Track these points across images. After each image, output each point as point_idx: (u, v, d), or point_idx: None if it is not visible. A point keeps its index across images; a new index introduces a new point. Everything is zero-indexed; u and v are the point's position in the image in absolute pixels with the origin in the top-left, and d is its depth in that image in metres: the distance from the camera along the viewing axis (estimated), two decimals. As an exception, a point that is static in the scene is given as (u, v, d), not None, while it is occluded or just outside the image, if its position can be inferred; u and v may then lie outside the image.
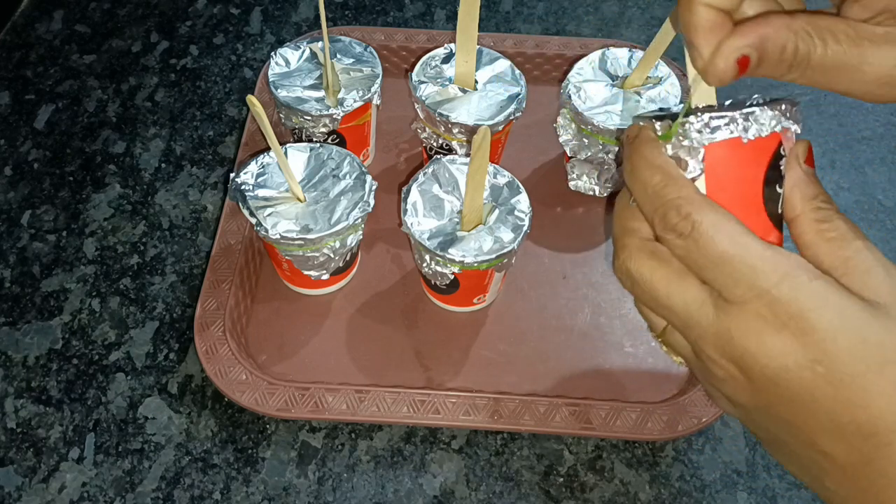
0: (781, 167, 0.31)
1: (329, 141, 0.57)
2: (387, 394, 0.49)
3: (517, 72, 0.57)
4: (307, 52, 0.58)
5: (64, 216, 0.60)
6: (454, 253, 0.47)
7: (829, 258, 0.30)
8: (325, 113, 0.54)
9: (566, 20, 0.76)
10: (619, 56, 0.58)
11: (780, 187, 0.31)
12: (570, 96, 0.55)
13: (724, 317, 0.29)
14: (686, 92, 0.33)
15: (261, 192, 0.49)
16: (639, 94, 0.55)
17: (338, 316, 0.55)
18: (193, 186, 0.62)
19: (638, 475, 0.49)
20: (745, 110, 0.29)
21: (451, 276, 0.49)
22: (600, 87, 0.56)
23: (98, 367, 0.52)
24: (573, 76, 0.56)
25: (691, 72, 0.30)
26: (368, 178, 0.50)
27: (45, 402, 0.51)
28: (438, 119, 0.54)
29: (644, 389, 0.51)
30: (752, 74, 0.30)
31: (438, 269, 0.49)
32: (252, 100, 0.42)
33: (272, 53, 0.57)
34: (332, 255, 0.50)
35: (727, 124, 0.30)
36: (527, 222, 0.48)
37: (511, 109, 0.54)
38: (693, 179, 0.30)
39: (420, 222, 0.49)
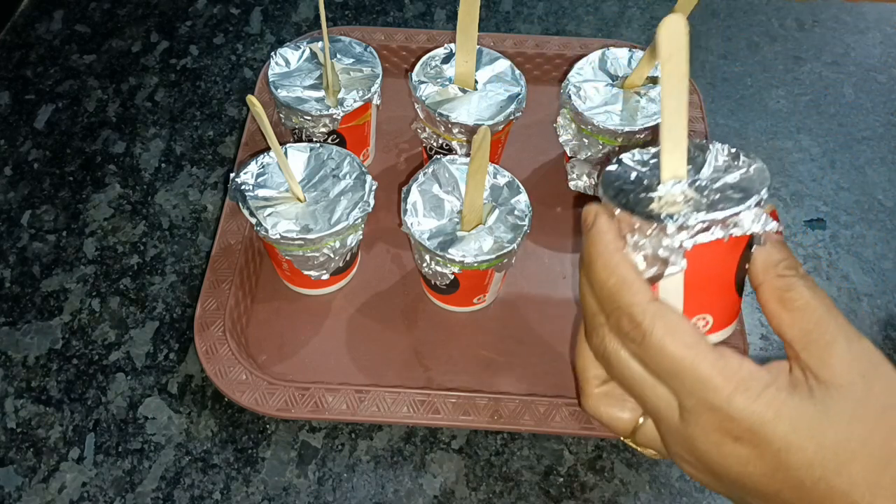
0: (751, 249, 0.32)
1: (329, 141, 0.57)
2: (387, 394, 0.49)
3: (517, 72, 0.57)
4: (307, 52, 0.58)
5: (64, 216, 0.60)
6: (454, 253, 0.47)
7: (791, 331, 0.30)
8: (325, 113, 0.54)
9: (566, 20, 0.76)
10: (619, 56, 0.58)
11: (748, 263, 0.32)
12: (570, 96, 0.55)
13: (686, 424, 0.30)
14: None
15: (261, 192, 0.49)
16: (639, 94, 0.55)
17: (338, 316, 0.55)
18: (193, 186, 0.62)
19: (638, 475, 0.49)
20: (728, 214, 0.30)
21: (451, 276, 0.49)
22: (600, 87, 0.56)
23: (98, 367, 0.52)
24: (573, 76, 0.56)
25: (664, 141, 0.31)
26: (368, 178, 0.50)
27: (45, 402, 0.51)
28: (438, 119, 0.54)
29: (644, 389, 0.51)
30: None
31: (438, 269, 0.49)
32: (252, 100, 0.42)
33: (272, 53, 0.57)
34: (332, 255, 0.50)
35: (710, 228, 0.30)
36: (527, 222, 0.48)
37: (511, 109, 0.54)
38: (671, 274, 0.31)
39: (420, 222, 0.49)
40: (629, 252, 0.31)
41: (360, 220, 0.49)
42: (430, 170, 0.51)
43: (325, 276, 0.52)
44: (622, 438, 0.36)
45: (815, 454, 0.28)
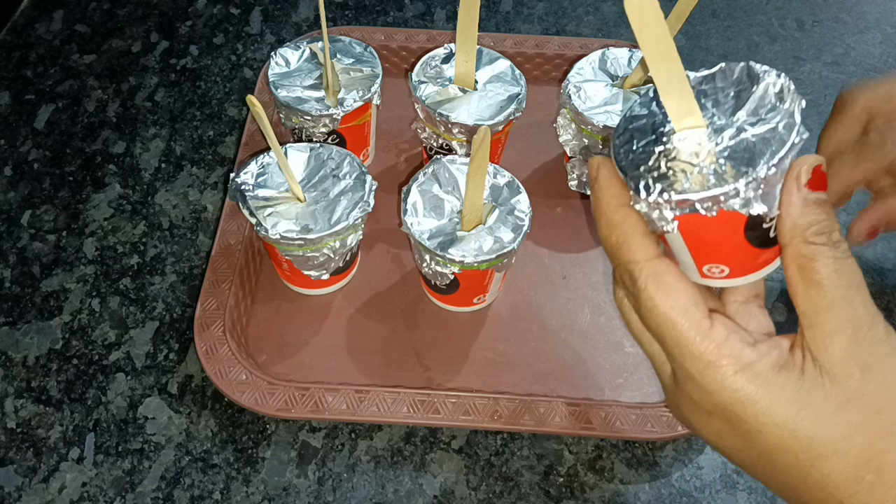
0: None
1: (329, 141, 0.57)
2: (387, 394, 0.49)
3: (517, 72, 0.57)
4: (307, 52, 0.58)
5: (64, 216, 0.60)
6: (454, 253, 0.47)
7: (804, 304, 0.28)
8: (325, 113, 0.54)
9: (566, 20, 0.76)
10: (619, 56, 0.58)
11: (767, 222, 0.29)
12: (570, 96, 0.55)
13: (673, 385, 0.31)
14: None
15: (261, 192, 0.49)
16: (639, 94, 0.55)
17: (338, 316, 0.55)
18: (193, 186, 0.62)
19: (638, 475, 0.49)
20: (708, 195, 0.27)
21: (451, 276, 0.49)
22: (600, 87, 0.56)
23: (98, 367, 0.52)
24: (573, 76, 0.56)
25: (660, 87, 0.29)
26: (368, 178, 0.50)
27: (45, 402, 0.51)
28: (438, 119, 0.54)
29: (644, 389, 0.51)
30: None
31: (438, 269, 0.49)
32: (252, 100, 0.42)
33: (272, 53, 0.57)
34: (332, 255, 0.50)
35: (687, 207, 0.28)
36: (527, 222, 0.48)
37: (511, 109, 0.54)
38: (666, 232, 0.29)
39: (420, 222, 0.49)
40: (634, 203, 0.30)
41: (360, 220, 0.49)
42: (430, 170, 0.51)
43: (325, 276, 0.52)
44: None
45: (788, 442, 0.27)
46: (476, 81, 0.56)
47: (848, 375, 0.27)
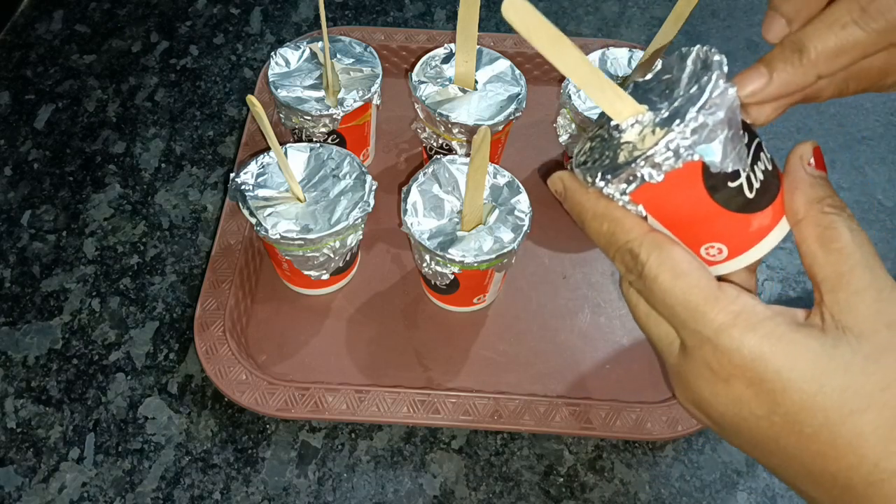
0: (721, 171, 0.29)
1: (329, 141, 0.57)
2: (387, 394, 0.49)
3: (517, 72, 0.57)
4: (307, 52, 0.58)
5: (64, 216, 0.60)
6: (454, 253, 0.47)
7: (823, 271, 0.28)
8: (325, 113, 0.54)
9: (566, 20, 0.76)
10: (619, 56, 0.58)
11: (735, 180, 0.29)
12: (570, 96, 0.55)
13: (682, 360, 0.29)
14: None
15: (261, 192, 0.49)
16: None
17: (338, 316, 0.55)
18: (193, 186, 0.62)
19: (638, 475, 0.49)
20: (634, 165, 0.28)
21: (451, 276, 0.49)
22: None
23: (98, 367, 0.52)
24: (573, 76, 0.56)
25: (587, 92, 0.29)
26: (368, 178, 0.50)
27: (45, 402, 0.51)
28: (438, 119, 0.54)
29: (644, 389, 0.51)
30: None
31: (438, 269, 0.49)
32: (252, 100, 0.42)
33: (272, 53, 0.57)
34: (332, 255, 0.50)
35: (632, 178, 0.28)
36: (527, 222, 0.48)
37: (511, 109, 0.54)
38: (644, 217, 0.29)
39: (420, 222, 0.49)
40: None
41: (360, 220, 0.49)
42: (430, 170, 0.51)
43: (325, 276, 0.52)
44: None
45: (817, 397, 0.25)
46: (476, 81, 0.56)
47: (876, 331, 0.26)
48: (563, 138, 0.58)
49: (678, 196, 0.29)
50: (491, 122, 0.53)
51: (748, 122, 0.30)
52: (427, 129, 0.56)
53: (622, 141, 0.29)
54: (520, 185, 0.50)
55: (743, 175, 0.28)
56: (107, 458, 0.49)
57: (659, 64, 0.32)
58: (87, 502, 0.47)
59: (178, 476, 0.48)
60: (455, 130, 0.54)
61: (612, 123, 0.30)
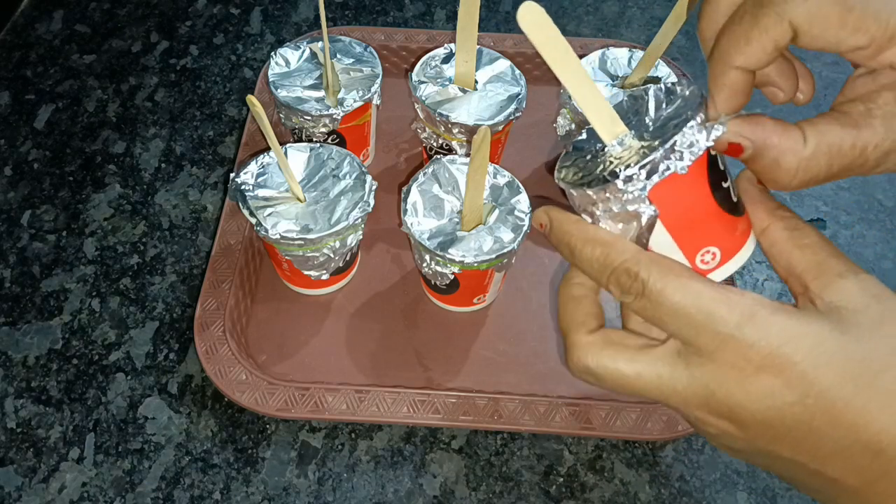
0: (719, 166, 0.31)
1: (329, 141, 0.57)
2: (387, 394, 0.49)
3: (517, 72, 0.57)
4: (307, 52, 0.58)
5: (64, 216, 0.60)
6: (454, 253, 0.47)
7: (803, 263, 0.29)
8: (325, 113, 0.54)
9: (566, 20, 0.76)
10: (619, 56, 0.58)
11: (725, 182, 0.31)
12: (570, 96, 0.55)
13: (699, 372, 0.29)
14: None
15: (261, 192, 0.49)
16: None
17: (338, 316, 0.55)
18: (193, 186, 0.62)
19: (638, 475, 0.49)
20: (664, 147, 0.29)
21: (451, 276, 0.49)
22: (600, 87, 0.56)
23: (98, 367, 0.52)
24: (573, 76, 0.56)
25: (585, 110, 0.31)
26: (368, 178, 0.50)
27: (45, 402, 0.51)
28: (438, 119, 0.54)
29: (644, 389, 0.51)
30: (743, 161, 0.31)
31: (438, 269, 0.49)
32: (252, 100, 0.42)
33: (272, 53, 0.57)
34: (332, 255, 0.50)
35: (657, 169, 0.29)
36: (527, 222, 0.48)
37: (511, 109, 0.54)
38: (650, 224, 0.30)
39: (420, 222, 0.49)
40: (603, 224, 0.31)
41: (360, 220, 0.49)
42: (430, 170, 0.51)
43: (325, 276, 0.52)
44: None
45: (843, 370, 0.26)
46: (476, 81, 0.56)
47: (867, 305, 0.27)
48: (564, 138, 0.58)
49: (688, 194, 0.30)
50: (491, 122, 0.53)
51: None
52: (427, 129, 0.56)
53: (610, 154, 0.31)
54: (520, 185, 0.50)
55: (729, 178, 0.31)
56: (107, 458, 0.49)
57: (584, 133, 0.34)
58: (87, 502, 0.47)
59: (178, 476, 0.48)
60: (455, 130, 0.54)
61: (599, 146, 0.32)
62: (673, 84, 0.32)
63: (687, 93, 0.31)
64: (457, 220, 0.49)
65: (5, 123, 0.66)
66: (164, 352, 0.53)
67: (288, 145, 0.51)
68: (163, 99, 0.68)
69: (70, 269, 0.57)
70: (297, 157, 0.51)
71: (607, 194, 0.30)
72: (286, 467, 0.48)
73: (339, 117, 0.54)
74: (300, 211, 0.48)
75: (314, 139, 0.56)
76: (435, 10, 0.76)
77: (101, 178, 0.63)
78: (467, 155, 0.54)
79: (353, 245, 0.51)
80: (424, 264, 0.50)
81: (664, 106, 0.32)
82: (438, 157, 0.51)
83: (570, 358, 0.32)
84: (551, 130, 0.59)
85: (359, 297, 0.56)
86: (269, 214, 0.48)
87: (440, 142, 0.56)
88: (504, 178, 0.51)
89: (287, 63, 0.57)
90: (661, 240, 0.31)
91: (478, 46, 0.54)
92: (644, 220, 0.30)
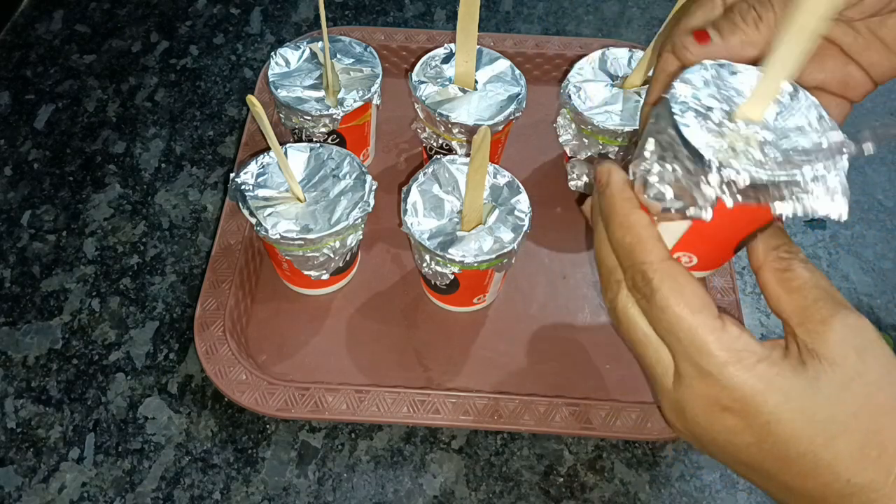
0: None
1: (329, 141, 0.57)
2: (387, 394, 0.49)
3: (517, 72, 0.57)
4: (307, 52, 0.57)
5: (64, 216, 0.60)
6: (454, 253, 0.47)
7: (789, 307, 0.30)
8: (325, 113, 0.54)
9: (566, 20, 0.76)
10: (619, 56, 0.58)
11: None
12: (570, 96, 0.55)
13: (679, 387, 0.31)
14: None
15: (261, 192, 0.49)
16: (639, 94, 0.55)
17: (338, 316, 0.55)
18: (193, 186, 0.62)
19: (638, 475, 0.49)
20: (787, 180, 0.28)
21: (451, 276, 0.49)
22: (600, 87, 0.56)
23: (98, 367, 0.52)
24: (573, 76, 0.56)
25: (762, 82, 0.29)
26: (368, 178, 0.50)
27: (45, 402, 0.51)
28: (438, 119, 0.54)
29: (644, 389, 0.51)
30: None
31: (438, 269, 0.49)
32: (252, 100, 0.42)
33: (272, 53, 0.57)
34: (332, 255, 0.50)
35: (757, 195, 0.28)
36: (527, 222, 0.48)
37: (511, 109, 0.54)
38: (690, 216, 0.30)
39: (420, 222, 0.49)
40: (656, 178, 0.30)
41: (360, 220, 0.49)
42: (430, 170, 0.51)
43: (325, 276, 0.52)
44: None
45: (804, 428, 0.28)
46: (476, 81, 0.56)
47: (845, 357, 0.28)
48: (563, 138, 0.58)
49: (736, 222, 0.31)
50: (491, 122, 0.53)
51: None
52: (427, 129, 0.56)
53: (724, 131, 0.29)
54: (520, 185, 0.50)
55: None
56: (107, 458, 0.49)
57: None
58: (87, 502, 0.47)
59: (178, 476, 0.48)
60: (455, 130, 0.54)
61: (726, 109, 0.30)
62: (821, 113, 0.30)
63: (828, 138, 0.29)
64: (457, 220, 0.49)
65: (5, 123, 0.66)
66: (164, 352, 0.53)
67: (288, 145, 0.51)
68: (163, 99, 0.68)
69: (70, 269, 0.57)
70: (297, 157, 0.51)
71: (694, 169, 0.29)
72: (286, 467, 0.48)
73: (339, 117, 0.54)
74: (300, 211, 0.48)
75: (314, 139, 0.56)
76: (435, 10, 0.76)
77: (101, 178, 0.63)
78: (467, 155, 0.54)
79: (353, 245, 0.51)
80: (424, 264, 0.50)
81: (801, 129, 0.30)
82: (438, 157, 0.51)
83: (606, 292, 0.33)
84: (551, 130, 0.59)
85: (359, 297, 0.56)
86: (269, 214, 0.48)
87: (440, 142, 0.56)
88: (504, 178, 0.51)
89: (287, 63, 0.57)
90: (672, 229, 0.31)
91: (478, 46, 0.54)
92: (690, 212, 0.29)
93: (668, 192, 0.30)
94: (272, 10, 0.76)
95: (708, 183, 0.28)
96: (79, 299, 0.56)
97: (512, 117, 0.55)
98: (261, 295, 0.56)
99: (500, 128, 0.55)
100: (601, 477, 0.49)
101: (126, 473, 0.48)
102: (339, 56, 0.57)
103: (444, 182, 0.50)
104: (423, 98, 0.55)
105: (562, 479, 0.48)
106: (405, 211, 0.49)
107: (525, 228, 0.48)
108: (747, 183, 0.28)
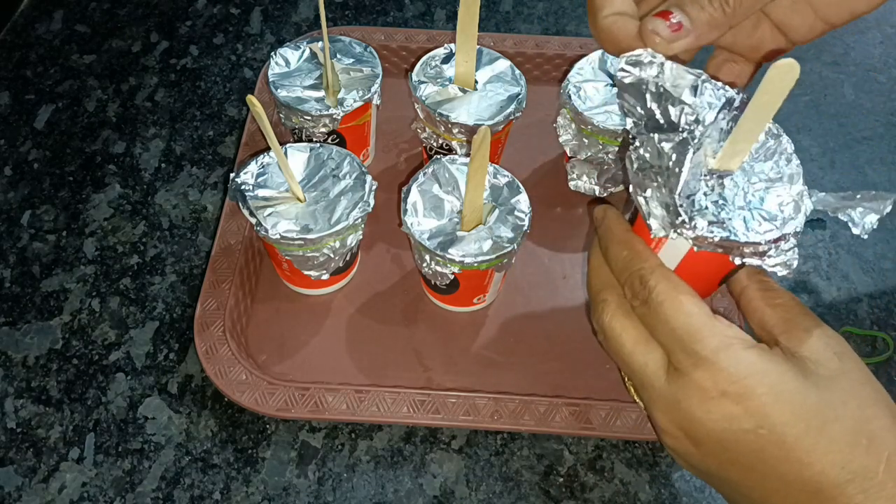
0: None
1: (329, 141, 0.57)
2: (387, 394, 0.49)
3: (517, 72, 0.57)
4: (307, 52, 0.58)
5: (64, 216, 0.60)
6: (454, 253, 0.47)
7: (773, 319, 0.33)
8: (325, 113, 0.54)
9: (566, 20, 0.76)
10: (619, 56, 0.58)
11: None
12: (570, 96, 0.55)
13: (673, 384, 0.32)
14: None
15: (261, 192, 0.49)
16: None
17: (338, 316, 0.55)
18: (193, 186, 0.62)
19: (638, 475, 0.49)
20: (749, 243, 0.31)
21: (451, 276, 0.49)
22: (600, 87, 0.56)
23: (98, 367, 0.52)
24: (573, 76, 0.56)
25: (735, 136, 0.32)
26: (368, 178, 0.50)
27: (45, 402, 0.51)
28: (438, 119, 0.54)
29: (644, 389, 0.51)
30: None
31: (438, 269, 0.49)
32: (252, 100, 0.42)
33: (272, 53, 0.57)
34: (332, 255, 0.50)
35: (721, 247, 0.31)
36: (527, 222, 0.48)
37: (511, 109, 0.54)
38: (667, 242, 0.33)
39: (420, 222, 0.49)
40: (652, 198, 0.33)
41: (360, 220, 0.49)
42: (430, 170, 0.51)
43: (325, 276, 0.52)
44: (624, 378, 0.38)
45: (799, 410, 0.29)
46: (476, 81, 0.56)
47: (829, 359, 0.31)
48: (563, 138, 0.58)
49: (719, 262, 0.34)
50: (491, 122, 0.53)
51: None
52: (427, 129, 0.56)
53: (716, 189, 0.33)
54: (520, 185, 0.50)
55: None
56: (107, 458, 0.49)
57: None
58: (87, 502, 0.47)
59: (178, 476, 0.48)
60: (455, 130, 0.54)
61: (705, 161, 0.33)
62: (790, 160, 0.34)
63: (791, 190, 0.33)
64: (457, 220, 0.49)
65: (5, 123, 0.66)
66: (164, 352, 0.53)
67: (288, 145, 0.51)
68: (163, 99, 0.68)
69: (70, 269, 0.57)
70: (297, 157, 0.51)
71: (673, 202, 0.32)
72: (286, 467, 0.48)
73: (339, 117, 0.54)
74: (300, 211, 0.48)
75: (314, 139, 0.56)
76: (435, 10, 0.76)
77: (101, 178, 0.63)
78: (467, 155, 0.54)
79: (353, 245, 0.51)
80: (424, 264, 0.50)
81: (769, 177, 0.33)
82: (438, 157, 0.51)
83: (594, 311, 0.36)
84: (551, 130, 0.59)
85: (359, 297, 0.56)
86: (269, 214, 0.48)
87: (440, 142, 0.56)
88: (504, 178, 0.51)
89: (287, 63, 0.57)
90: (669, 258, 0.34)
91: (478, 46, 0.54)
92: (667, 242, 0.33)
93: (658, 211, 0.33)
94: (272, 10, 0.76)
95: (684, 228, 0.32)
96: (79, 299, 0.56)
97: (512, 117, 0.55)
98: (261, 295, 0.56)
99: (500, 128, 0.55)
100: (601, 477, 0.49)
101: (126, 473, 0.48)
102: (339, 56, 0.57)
103: (444, 182, 0.50)
104: (423, 98, 0.55)
105: (562, 479, 0.48)
106: (405, 211, 0.49)
107: (525, 228, 0.48)
108: (711, 238, 0.31)
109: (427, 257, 0.49)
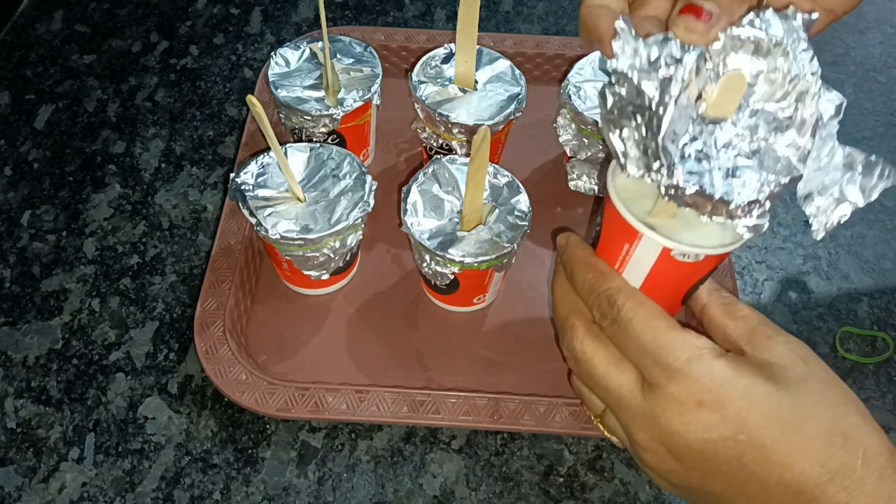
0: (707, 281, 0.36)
1: (329, 141, 0.57)
2: (387, 394, 0.49)
3: (517, 72, 0.57)
4: (307, 52, 0.58)
5: (64, 216, 0.60)
6: (454, 253, 0.47)
7: (737, 331, 0.34)
8: (325, 113, 0.54)
9: (566, 20, 0.76)
10: (619, 56, 0.58)
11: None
12: (570, 96, 0.55)
13: (650, 399, 0.32)
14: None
15: (261, 192, 0.49)
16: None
17: (338, 316, 0.55)
18: (193, 186, 0.62)
19: (638, 475, 0.49)
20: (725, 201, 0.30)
21: (451, 276, 0.49)
22: (600, 87, 0.56)
23: (98, 367, 0.52)
24: (573, 76, 0.56)
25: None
26: (368, 178, 0.50)
27: (45, 402, 0.51)
28: (438, 119, 0.54)
29: (644, 389, 0.51)
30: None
31: (438, 269, 0.49)
32: (252, 100, 0.42)
33: (272, 53, 0.57)
34: (332, 255, 0.50)
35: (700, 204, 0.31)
36: (527, 222, 0.48)
37: (511, 109, 0.54)
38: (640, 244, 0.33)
39: (420, 222, 0.49)
40: (629, 139, 0.31)
41: (360, 220, 0.49)
42: (430, 170, 0.51)
43: (325, 276, 0.52)
44: (591, 416, 0.39)
45: (773, 413, 0.30)
46: (476, 81, 0.56)
47: (794, 363, 0.32)
48: (563, 138, 0.58)
49: (686, 271, 0.34)
50: (491, 122, 0.53)
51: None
52: (427, 129, 0.56)
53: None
54: (520, 185, 0.50)
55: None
56: (107, 458, 0.49)
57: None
58: (87, 502, 0.47)
59: (178, 476, 0.48)
60: (455, 130, 0.54)
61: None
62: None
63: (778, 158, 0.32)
64: (457, 220, 0.49)
65: (5, 123, 0.66)
66: (164, 352, 0.53)
67: (288, 145, 0.51)
68: (163, 99, 0.68)
69: (70, 269, 0.57)
70: (297, 157, 0.51)
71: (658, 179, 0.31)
72: (286, 467, 0.48)
73: (339, 117, 0.54)
74: (300, 211, 0.48)
75: (314, 139, 0.56)
76: (435, 10, 0.76)
77: (101, 178, 0.63)
78: (467, 155, 0.55)
79: (353, 245, 0.51)
80: (424, 264, 0.50)
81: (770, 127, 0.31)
82: (438, 157, 0.51)
83: (562, 337, 0.37)
84: (551, 130, 0.59)
85: (359, 297, 0.56)
86: (269, 214, 0.48)
87: (440, 142, 0.56)
88: (504, 178, 0.51)
89: (287, 63, 0.57)
90: (633, 276, 0.35)
91: (478, 46, 0.54)
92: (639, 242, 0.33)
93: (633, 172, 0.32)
94: (272, 10, 0.76)
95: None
96: (79, 299, 0.56)
97: (512, 117, 0.55)
98: (261, 295, 0.56)
99: (500, 128, 0.55)
100: (601, 477, 0.49)
101: (126, 473, 0.48)
102: (339, 56, 0.57)
103: (444, 182, 0.50)
104: (423, 98, 0.55)
105: (562, 479, 0.48)
106: (405, 211, 0.49)
107: (525, 228, 0.48)
108: (691, 192, 0.30)
109: (427, 257, 0.49)
